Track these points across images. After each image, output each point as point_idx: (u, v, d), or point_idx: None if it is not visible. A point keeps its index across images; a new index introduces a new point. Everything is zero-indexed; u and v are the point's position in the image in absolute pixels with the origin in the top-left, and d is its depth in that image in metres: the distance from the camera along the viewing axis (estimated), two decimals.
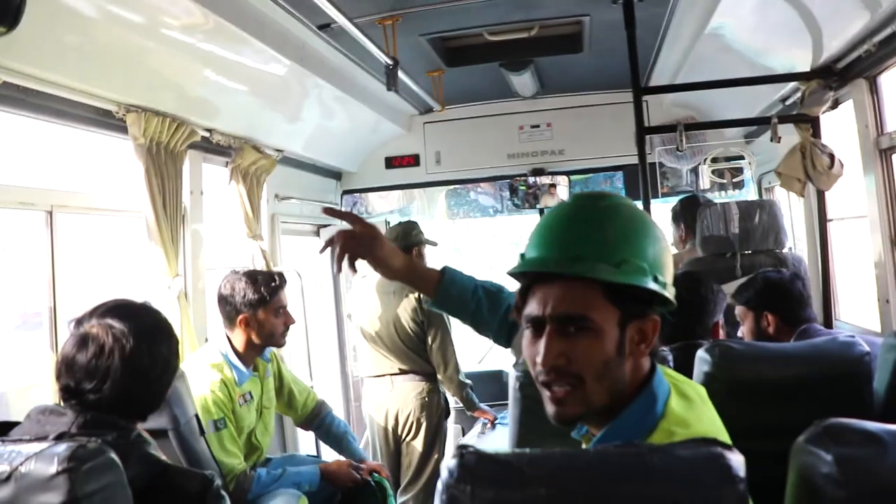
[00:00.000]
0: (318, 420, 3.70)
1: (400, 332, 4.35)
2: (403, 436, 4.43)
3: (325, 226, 5.45)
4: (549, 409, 1.32)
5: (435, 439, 4.47)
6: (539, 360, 1.29)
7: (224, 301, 3.22)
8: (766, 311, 2.84)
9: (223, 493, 1.77)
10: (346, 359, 5.61)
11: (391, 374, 4.43)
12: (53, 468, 1.45)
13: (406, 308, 4.37)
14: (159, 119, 3.12)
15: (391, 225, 4.90)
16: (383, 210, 5.99)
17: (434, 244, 4.60)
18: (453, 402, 4.73)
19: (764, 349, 2.23)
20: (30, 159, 3.01)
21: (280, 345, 3.37)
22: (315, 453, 4.27)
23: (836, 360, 2.12)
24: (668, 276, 1.35)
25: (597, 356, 1.27)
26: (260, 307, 3.20)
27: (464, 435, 5.08)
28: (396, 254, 2.16)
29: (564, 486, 1.05)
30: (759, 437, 1.78)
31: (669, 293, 1.33)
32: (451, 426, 4.92)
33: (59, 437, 1.60)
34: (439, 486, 1.07)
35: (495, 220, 6.02)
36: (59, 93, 2.72)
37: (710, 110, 4.70)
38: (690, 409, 1.36)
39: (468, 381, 4.54)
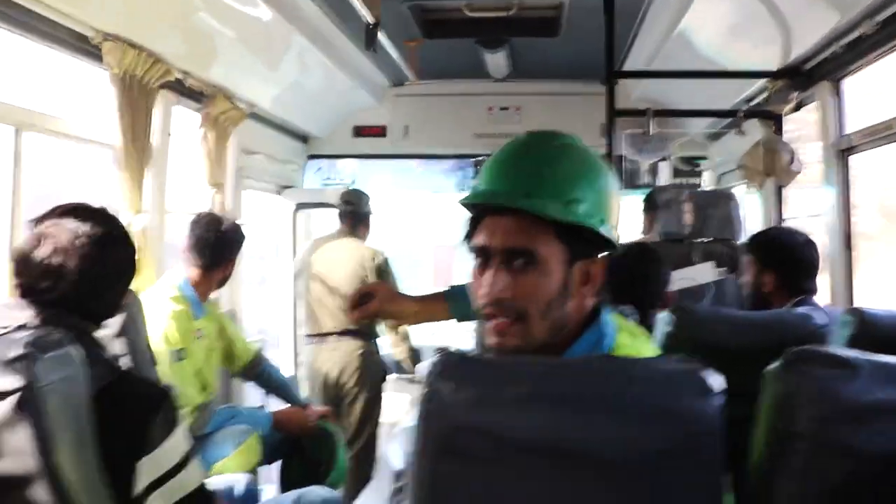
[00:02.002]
0: (258, 368, 3.68)
1: (349, 290, 4.38)
2: (344, 396, 4.46)
3: (288, 186, 5.44)
4: (491, 339, 1.33)
5: (375, 401, 4.52)
6: (484, 291, 1.31)
7: (218, 244, 3.24)
8: (769, 268, 2.72)
9: (178, 404, 1.76)
10: (298, 320, 5.59)
11: (336, 334, 4.45)
12: (14, 352, 1.45)
13: (357, 267, 4.41)
14: (136, 52, 3.10)
15: (346, 189, 4.91)
16: (346, 176, 5.99)
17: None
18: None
19: (723, 314, 2.31)
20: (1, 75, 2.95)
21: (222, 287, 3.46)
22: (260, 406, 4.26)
23: (793, 329, 2.20)
24: (615, 220, 1.38)
25: (542, 293, 1.29)
26: (238, 252, 3.33)
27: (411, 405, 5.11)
28: (408, 302, 2.12)
29: (547, 386, 1.07)
30: None
31: (614, 237, 1.36)
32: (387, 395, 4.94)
33: (19, 329, 1.59)
34: (422, 386, 1.08)
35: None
36: (38, 9, 2.69)
37: (677, 106, 4.80)
38: (641, 344, 1.40)
39: (417, 349, 4.59)
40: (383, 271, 4.48)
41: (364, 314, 2.02)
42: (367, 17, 3.42)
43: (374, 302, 2.00)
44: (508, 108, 5.56)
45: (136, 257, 1.91)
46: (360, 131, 5.72)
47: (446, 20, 4.24)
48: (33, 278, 1.71)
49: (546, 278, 1.29)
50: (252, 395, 4.43)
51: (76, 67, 3.13)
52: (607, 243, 1.35)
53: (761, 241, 2.84)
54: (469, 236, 1.36)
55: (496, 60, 4.87)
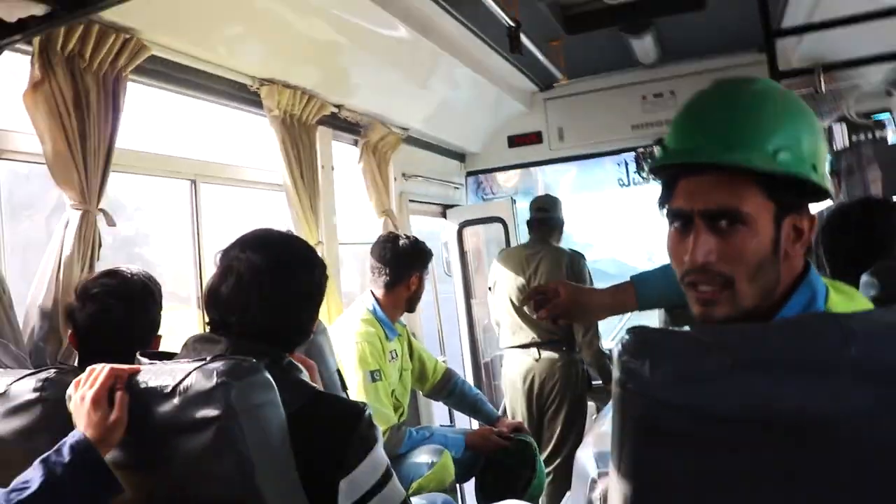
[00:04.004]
0: (449, 386, 3.72)
1: None
2: (547, 407, 4.42)
3: (451, 206, 5.50)
4: (695, 309, 1.25)
5: (578, 411, 4.44)
6: (687, 258, 1.22)
7: (396, 260, 3.31)
8: None
9: (375, 423, 1.76)
10: (477, 339, 5.63)
11: (536, 344, 4.42)
12: (212, 382, 1.50)
13: (550, 275, 4.37)
14: (291, 91, 3.24)
15: (538, 196, 4.89)
16: (507, 189, 6.00)
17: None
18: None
19: None
20: (176, 133, 3.19)
21: (415, 309, 3.47)
22: (450, 425, 4.31)
23: None
24: (825, 165, 1.26)
25: (750, 254, 1.19)
26: (423, 270, 3.38)
27: (598, 412, 5.00)
28: (597, 294, 2.08)
29: (752, 352, 0.97)
30: None
31: (827, 184, 1.24)
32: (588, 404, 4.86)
33: (214, 360, 1.65)
34: (615, 365, 1.00)
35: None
36: (200, 66, 2.87)
37: (847, 58, 4.44)
38: (854, 303, 1.27)
39: (607, 351, 4.48)
40: (580, 273, 4.44)
41: (553, 311, 1.96)
42: (507, 19, 3.41)
43: (562, 298, 1.94)
44: (662, 93, 5.36)
45: (324, 278, 1.91)
46: (514, 141, 5.69)
47: (586, 13, 4.15)
48: (222, 312, 1.77)
49: (754, 238, 1.20)
50: (441, 415, 4.48)
51: (238, 117, 3.31)
52: (818, 193, 1.24)
53: None
54: (665, 201, 1.29)
55: (643, 46, 4.71)
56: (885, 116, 4.80)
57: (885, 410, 0.93)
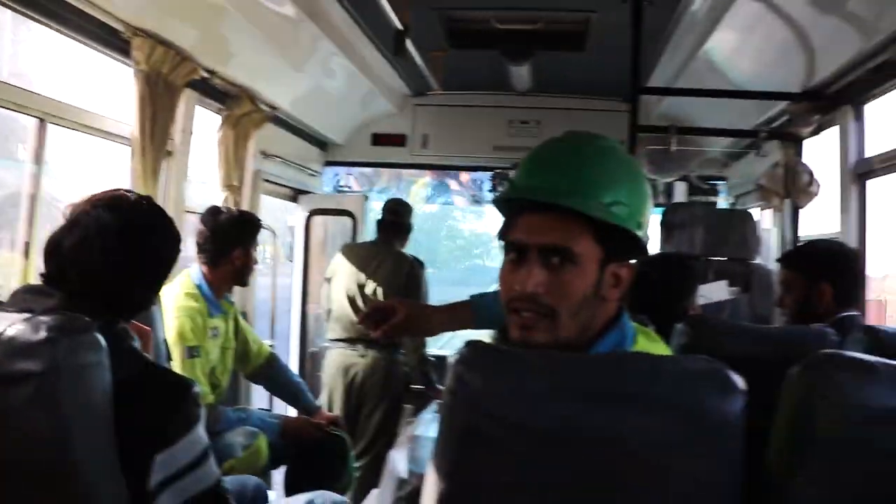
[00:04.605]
0: (271, 372, 3.68)
1: (384, 298, 4.40)
2: (365, 404, 4.46)
3: (303, 192, 5.46)
4: (515, 333, 1.34)
5: (394, 411, 4.51)
6: (518, 286, 1.31)
7: (216, 234, 3.22)
8: (823, 281, 2.55)
9: (200, 402, 1.74)
10: (308, 328, 5.61)
11: (363, 341, 4.45)
12: (40, 335, 1.44)
13: (390, 275, 4.42)
14: (164, 49, 3.12)
15: (391, 199, 4.92)
16: (363, 186, 6.02)
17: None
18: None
19: (739, 327, 2.30)
20: (30, 67, 2.99)
21: (246, 284, 3.43)
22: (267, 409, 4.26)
23: (809, 343, 2.19)
24: (647, 226, 1.39)
25: (575, 291, 1.30)
26: (249, 243, 3.28)
27: (415, 414, 5.09)
28: (436, 314, 2.11)
29: (574, 379, 1.10)
30: None
31: (647, 242, 1.37)
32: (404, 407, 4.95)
33: (46, 313, 1.57)
34: (448, 373, 1.10)
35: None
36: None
37: (697, 124, 4.80)
38: (657, 347, 1.42)
39: (432, 358, 4.58)
40: (418, 280, 4.50)
41: (390, 331, 1.95)
42: (396, 23, 3.44)
43: (400, 317, 1.95)
44: (528, 121, 5.56)
45: (176, 252, 1.86)
46: (378, 139, 5.73)
47: (474, 31, 4.25)
48: (61, 265, 1.70)
49: (580, 277, 1.30)
50: (260, 397, 4.43)
51: (97, 62, 3.14)
52: (639, 248, 1.36)
53: (813, 255, 2.70)
54: (505, 231, 1.37)
55: (520, 73, 4.88)
56: (720, 182, 5.21)
57: (671, 443, 1.07)
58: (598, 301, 1.33)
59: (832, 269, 2.59)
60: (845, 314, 2.49)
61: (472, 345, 1.13)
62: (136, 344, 1.75)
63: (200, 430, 1.68)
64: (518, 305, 1.32)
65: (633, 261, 1.38)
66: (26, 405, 1.44)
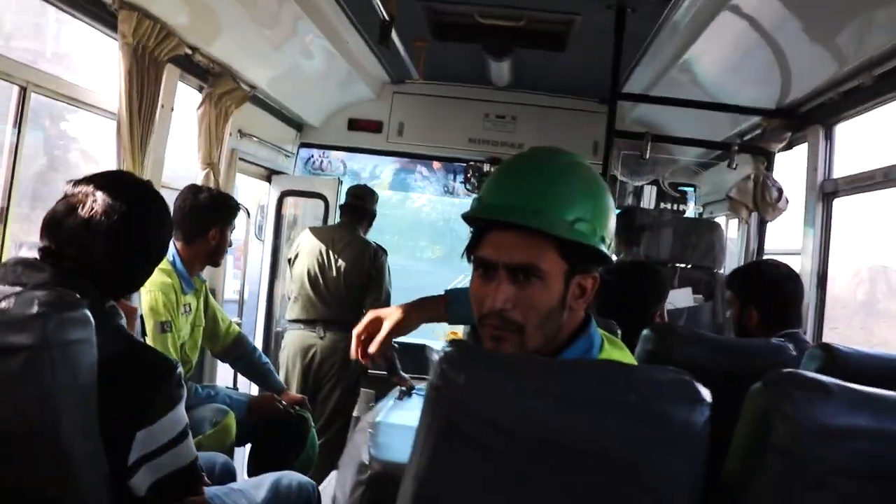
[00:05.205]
0: (239, 351, 3.71)
1: (346, 282, 4.44)
2: (323, 385, 4.49)
3: (277, 172, 5.46)
4: (487, 344, 1.41)
5: (351, 395, 4.55)
6: (488, 302, 1.38)
7: (195, 212, 3.23)
8: (751, 304, 2.73)
9: (183, 382, 1.76)
10: (274, 308, 5.62)
11: (323, 322, 4.49)
12: (32, 310, 1.47)
13: (356, 260, 4.46)
14: (150, 23, 3.11)
15: (356, 184, 4.95)
16: (337, 169, 6.03)
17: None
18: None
19: (704, 337, 2.37)
20: (13, 36, 2.96)
21: (218, 264, 3.46)
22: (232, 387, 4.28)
23: (768, 357, 2.28)
24: (612, 237, 1.46)
25: (541, 305, 1.37)
26: (226, 224, 3.30)
27: (376, 400, 5.14)
28: (414, 313, 2.15)
29: (552, 384, 1.17)
30: None
31: (611, 254, 1.44)
32: (363, 390, 4.99)
33: (37, 288, 1.59)
34: (432, 370, 1.16)
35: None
36: None
37: (670, 132, 4.90)
38: (622, 354, 1.50)
39: (395, 345, 4.62)
40: (381, 267, 4.54)
41: (381, 348, 1.90)
42: (383, 12, 3.46)
43: (385, 333, 1.91)
44: (505, 116, 5.62)
45: (169, 237, 1.90)
46: (354, 124, 5.75)
47: (457, 24, 4.29)
48: (60, 244, 1.72)
49: (546, 292, 1.37)
50: (225, 375, 4.44)
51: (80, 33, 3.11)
52: (603, 259, 1.42)
53: (741, 277, 2.87)
54: (472, 247, 1.43)
55: (500, 69, 4.92)
56: (689, 190, 5.32)
57: (640, 448, 1.15)
58: (564, 312, 1.40)
59: (757, 293, 2.73)
60: (788, 331, 2.62)
61: (457, 345, 1.19)
62: (123, 322, 1.77)
63: (181, 410, 1.73)
64: (488, 321, 1.39)
65: (597, 271, 1.45)
66: (15, 377, 1.47)
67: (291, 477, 2.49)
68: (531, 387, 1.16)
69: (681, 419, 1.16)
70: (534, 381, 1.16)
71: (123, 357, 1.67)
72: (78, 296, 1.56)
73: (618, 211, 5.03)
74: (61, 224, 1.72)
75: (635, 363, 1.51)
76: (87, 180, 1.77)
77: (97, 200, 1.73)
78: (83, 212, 1.71)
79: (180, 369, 1.74)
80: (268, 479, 2.37)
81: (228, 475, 2.60)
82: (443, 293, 2.16)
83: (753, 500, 1.21)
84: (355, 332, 1.91)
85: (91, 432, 1.57)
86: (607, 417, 1.15)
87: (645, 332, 2.30)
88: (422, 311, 2.10)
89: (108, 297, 1.75)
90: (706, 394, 1.18)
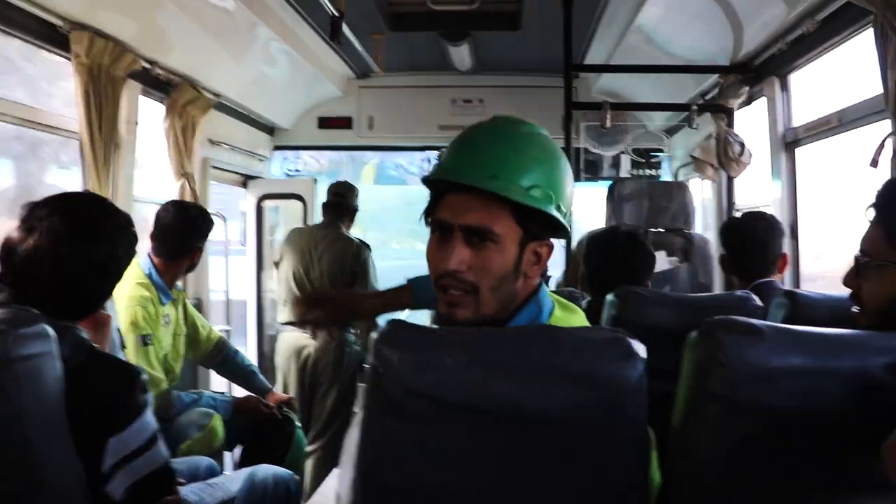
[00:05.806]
0: (221, 356, 3.74)
1: (330, 281, 4.47)
2: (319, 384, 4.53)
3: (252, 177, 5.50)
4: (443, 309, 1.44)
5: (350, 391, 4.58)
6: (443, 264, 1.41)
7: (185, 229, 3.29)
8: (725, 250, 2.84)
9: (147, 388, 1.80)
10: (264, 311, 5.66)
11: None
12: None
13: (342, 258, 4.49)
14: (104, 42, 3.14)
15: (336, 181, 4.98)
16: (313, 169, 6.07)
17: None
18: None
19: (665, 297, 2.42)
20: None
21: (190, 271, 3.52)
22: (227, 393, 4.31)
23: (729, 312, 2.31)
24: (569, 206, 1.49)
25: (495, 268, 1.40)
26: (206, 238, 3.40)
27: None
28: (370, 300, 2.22)
29: (483, 353, 1.20)
30: (654, 378, 1.96)
31: (567, 223, 1.46)
32: (362, 386, 5.02)
33: None
34: (371, 350, 1.19)
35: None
36: None
37: (638, 99, 4.93)
38: (573, 318, 1.53)
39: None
40: (366, 265, 4.56)
41: (313, 321, 2.05)
42: (331, 9, 3.49)
43: (325, 312, 2.05)
44: (472, 100, 5.65)
45: (130, 252, 1.90)
46: (325, 122, 5.78)
47: (410, 13, 4.32)
48: (14, 268, 1.75)
49: (501, 255, 1.39)
50: (217, 382, 4.48)
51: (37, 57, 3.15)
52: (560, 228, 1.45)
53: (722, 227, 2.94)
54: (430, 210, 1.46)
55: (460, 54, 4.96)
56: (661, 156, 5.36)
57: (574, 410, 1.17)
58: (518, 277, 1.43)
59: (724, 243, 2.85)
60: (761, 280, 2.65)
61: (391, 323, 1.22)
62: (83, 334, 1.80)
63: (149, 415, 1.76)
64: (444, 283, 1.42)
65: (553, 240, 1.48)
66: None
67: (268, 469, 2.54)
68: (461, 358, 1.18)
69: (614, 376, 1.18)
70: (464, 353, 1.19)
71: (87, 367, 1.70)
72: (36, 312, 1.59)
73: (597, 183, 5.09)
74: (15, 251, 1.75)
75: (583, 325, 1.53)
76: (43, 204, 1.78)
77: (44, 226, 1.74)
78: (32, 239, 1.74)
79: (145, 376, 1.78)
80: (243, 472, 2.41)
81: (212, 476, 2.65)
82: (405, 282, 2.22)
83: (698, 448, 1.25)
84: (305, 297, 1.99)
85: (63, 442, 1.61)
86: (538, 382, 1.17)
87: (609, 296, 2.33)
88: (379, 299, 2.16)
89: (65, 319, 1.75)
90: (640, 349, 1.20)
